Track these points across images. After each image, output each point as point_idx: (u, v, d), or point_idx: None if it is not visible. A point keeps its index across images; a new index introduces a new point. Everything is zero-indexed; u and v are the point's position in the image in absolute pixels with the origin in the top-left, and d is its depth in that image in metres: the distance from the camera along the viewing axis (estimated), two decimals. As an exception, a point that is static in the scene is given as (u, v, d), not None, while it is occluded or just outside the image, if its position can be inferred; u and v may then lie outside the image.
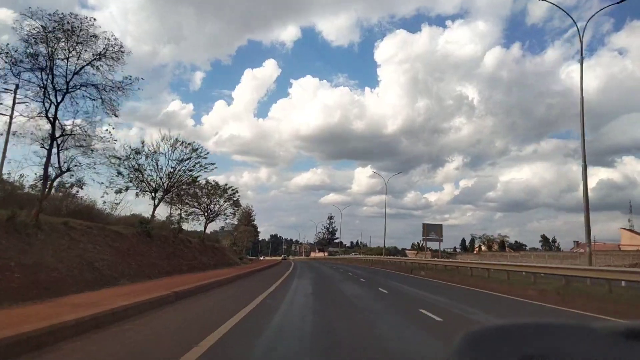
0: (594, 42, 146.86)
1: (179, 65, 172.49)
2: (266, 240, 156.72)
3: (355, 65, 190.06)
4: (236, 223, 72.04)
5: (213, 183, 32.18)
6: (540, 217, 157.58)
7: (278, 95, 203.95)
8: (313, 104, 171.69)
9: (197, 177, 23.39)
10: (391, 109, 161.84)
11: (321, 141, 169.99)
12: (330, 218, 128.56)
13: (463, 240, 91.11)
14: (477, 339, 0.52)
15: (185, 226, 33.07)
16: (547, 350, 0.47)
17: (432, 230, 51.32)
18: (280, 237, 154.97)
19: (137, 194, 20.61)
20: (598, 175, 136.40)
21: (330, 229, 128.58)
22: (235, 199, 34.21)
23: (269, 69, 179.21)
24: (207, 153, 23.37)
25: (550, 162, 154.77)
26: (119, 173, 19.99)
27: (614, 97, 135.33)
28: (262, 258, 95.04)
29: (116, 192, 19.96)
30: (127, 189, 20.35)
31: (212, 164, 23.89)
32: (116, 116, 13.20)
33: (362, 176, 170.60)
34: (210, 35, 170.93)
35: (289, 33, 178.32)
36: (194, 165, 22.53)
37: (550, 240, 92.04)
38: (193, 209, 31.03)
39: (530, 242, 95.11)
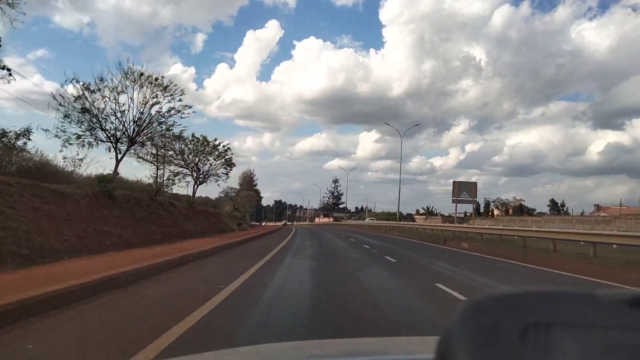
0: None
1: (179, 27, 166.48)
2: (270, 206, 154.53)
3: (360, 25, 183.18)
4: (238, 188, 69.98)
5: (200, 138, 27.90)
6: (545, 181, 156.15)
7: (281, 58, 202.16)
8: (317, 66, 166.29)
9: (172, 125, 18.90)
10: (396, 71, 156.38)
11: (325, 105, 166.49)
12: (335, 182, 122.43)
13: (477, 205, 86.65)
14: (480, 308, 0.51)
15: (176, 190, 29.16)
16: (551, 318, 0.47)
17: (465, 190, 42.98)
18: (284, 202, 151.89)
19: (89, 144, 16.37)
20: (606, 138, 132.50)
21: (336, 193, 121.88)
22: (227, 157, 30.01)
23: (272, 30, 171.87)
24: (182, 94, 18.72)
25: (558, 124, 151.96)
26: (66, 116, 15.76)
27: (626, 56, 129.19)
28: (264, 224, 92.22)
29: (64, 144, 15.84)
30: (78, 137, 16.18)
31: (189, 107, 19.39)
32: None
33: (367, 141, 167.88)
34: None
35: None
36: (169, 111, 18.15)
37: (559, 205, 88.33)
38: (180, 169, 26.91)
39: (537, 207, 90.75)
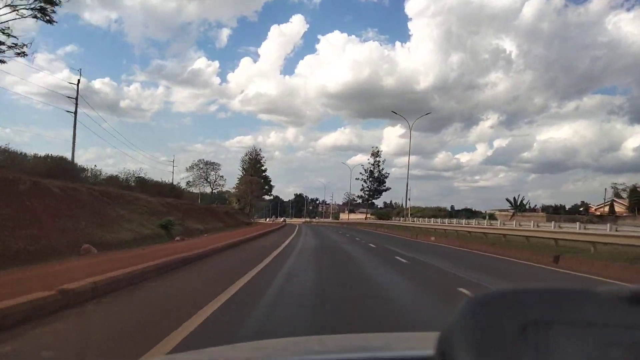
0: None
1: (204, 22, 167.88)
2: (291, 200, 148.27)
3: (385, 19, 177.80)
4: (241, 174, 61.81)
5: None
6: (576, 178, 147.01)
7: (305, 52, 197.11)
8: (341, 60, 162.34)
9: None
10: (423, 65, 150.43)
11: (349, 98, 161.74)
12: (376, 154, 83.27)
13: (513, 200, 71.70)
14: (480, 305, 0.53)
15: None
16: (551, 315, 0.48)
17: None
18: (305, 196, 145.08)
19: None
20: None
21: (377, 174, 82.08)
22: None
23: (296, 24, 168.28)
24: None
25: (592, 119, 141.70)
26: None
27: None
28: (268, 220, 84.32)
29: None
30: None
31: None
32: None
33: (392, 136, 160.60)
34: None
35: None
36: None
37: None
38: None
39: (567, 205, 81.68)
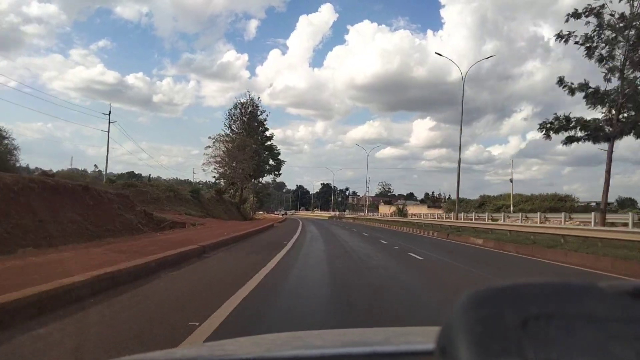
0: None
1: (231, 14, 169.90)
2: (317, 192, 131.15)
3: (417, 6, 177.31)
4: (229, 137, 36.24)
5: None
6: (615, 171, 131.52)
7: (334, 43, 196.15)
8: (371, 50, 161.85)
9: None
10: (455, 54, 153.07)
11: (378, 90, 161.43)
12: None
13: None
14: (481, 299, 0.51)
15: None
16: (552, 309, 0.48)
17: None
18: (333, 186, 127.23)
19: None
20: None
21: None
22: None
23: (325, 14, 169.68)
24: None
25: None
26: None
27: None
28: (281, 214, 66.29)
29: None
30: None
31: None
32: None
33: (421, 128, 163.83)
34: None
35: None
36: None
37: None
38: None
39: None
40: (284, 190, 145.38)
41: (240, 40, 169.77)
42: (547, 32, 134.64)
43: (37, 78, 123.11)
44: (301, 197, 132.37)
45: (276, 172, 47.29)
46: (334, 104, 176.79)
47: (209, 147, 31.59)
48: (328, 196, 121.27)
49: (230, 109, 37.00)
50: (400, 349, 1.11)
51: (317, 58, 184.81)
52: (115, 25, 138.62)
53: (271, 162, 44.74)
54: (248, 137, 36.07)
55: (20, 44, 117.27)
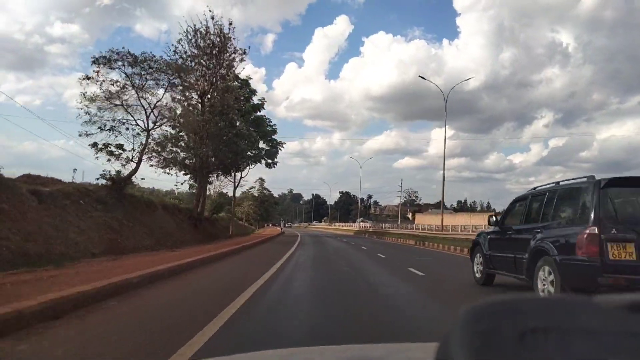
0: None
1: (247, 28, 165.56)
2: (336, 201, 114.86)
3: (432, 15, 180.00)
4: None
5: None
6: None
7: (350, 55, 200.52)
8: (386, 61, 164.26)
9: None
10: (472, 62, 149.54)
11: (395, 101, 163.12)
12: None
13: None
14: (479, 313, 0.51)
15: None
16: (549, 323, 0.48)
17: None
18: (353, 195, 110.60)
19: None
20: None
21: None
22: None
23: (341, 25, 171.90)
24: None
25: None
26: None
27: None
28: (280, 227, 50.86)
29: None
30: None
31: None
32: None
33: (440, 137, 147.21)
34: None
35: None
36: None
37: None
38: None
39: None
40: (300, 202, 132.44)
41: (257, 55, 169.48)
42: (566, 38, 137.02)
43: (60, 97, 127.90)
44: (318, 208, 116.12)
45: (270, 161, 29.38)
46: (350, 115, 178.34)
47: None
48: (348, 205, 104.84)
49: (178, 41, 19.94)
50: None
51: (333, 70, 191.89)
52: (135, 43, 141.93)
53: (262, 145, 28.75)
54: (213, 94, 20.17)
55: (44, 63, 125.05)
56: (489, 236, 8.59)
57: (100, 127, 14.13)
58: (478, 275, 8.65)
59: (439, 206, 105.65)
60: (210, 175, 23.02)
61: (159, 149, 16.88)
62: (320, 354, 1.54)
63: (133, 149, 14.75)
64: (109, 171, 13.66)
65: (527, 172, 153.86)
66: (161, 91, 16.91)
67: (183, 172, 21.44)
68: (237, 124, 22.56)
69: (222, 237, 23.27)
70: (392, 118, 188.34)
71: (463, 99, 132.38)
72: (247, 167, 28.09)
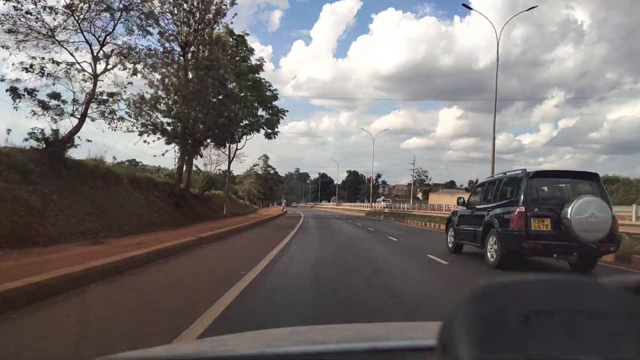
0: None
1: (253, 4, 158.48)
2: (343, 180, 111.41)
3: None
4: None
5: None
6: None
7: (358, 32, 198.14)
8: (395, 39, 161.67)
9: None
10: (483, 40, 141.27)
11: (403, 80, 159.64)
12: None
13: None
14: (483, 295, 0.51)
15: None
16: (554, 305, 0.48)
17: None
18: (361, 175, 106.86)
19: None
20: None
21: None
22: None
23: (349, 2, 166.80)
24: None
25: None
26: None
27: None
28: (282, 207, 47.41)
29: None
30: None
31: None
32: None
33: (448, 118, 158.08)
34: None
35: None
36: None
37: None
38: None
39: None
40: (307, 182, 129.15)
41: (264, 32, 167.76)
42: (581, 15, 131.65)
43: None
44: (324, 187, 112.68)
45: (270, 131, 25.39)
46: (358, 94, 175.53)
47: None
48: (357, 185, 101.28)
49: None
50: (401, 345, 1.06)
51: (341, 48, 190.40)
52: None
53: (262, 112, 25.05)
54: (198, 46, 16.59)
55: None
56: (458, 214, 10.40)
57: (25, 68, 10.62)
58: (450, 245, 10.52)
59: (449, 186, 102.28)
60: (200, 146, 19.48)
61: (112, 104, 12.94)
62: (321, 333, 1.51)
63: (75, 100, 11.30)
64: (42, 129, 10.27)
65: (537, 153, 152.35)
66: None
67: (164, 139, 17.86)
68: (229, 84, 18.96)
69: (213, 217, 19.96)
70: (400, 97, 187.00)
71: (474, 78, 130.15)
72: (245, 138, 24.77)
